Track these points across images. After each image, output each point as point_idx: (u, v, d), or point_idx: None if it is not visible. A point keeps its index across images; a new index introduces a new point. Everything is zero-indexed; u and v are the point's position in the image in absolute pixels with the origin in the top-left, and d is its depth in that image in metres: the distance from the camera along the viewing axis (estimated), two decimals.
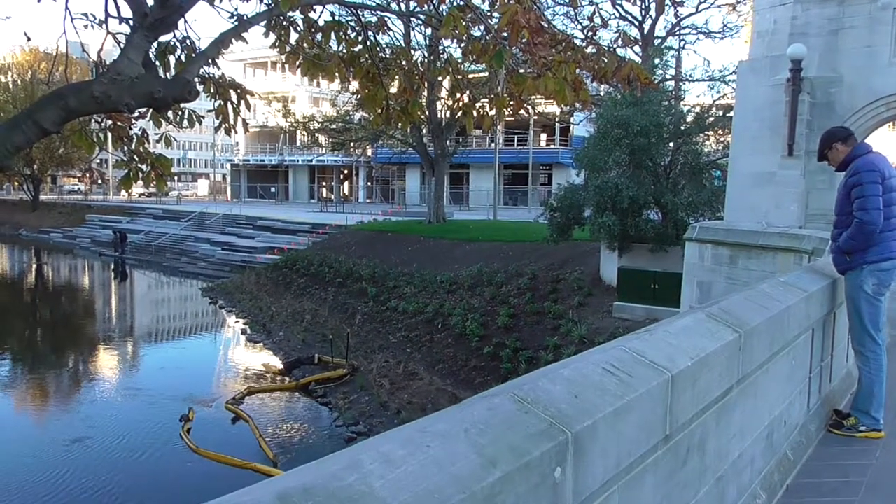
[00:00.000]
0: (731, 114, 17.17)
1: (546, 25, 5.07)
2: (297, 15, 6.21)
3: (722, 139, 23.94)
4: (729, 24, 31.73)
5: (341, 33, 6.56)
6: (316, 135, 43.65)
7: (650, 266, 20.43)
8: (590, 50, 6.09)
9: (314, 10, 6.40)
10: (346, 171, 68.39)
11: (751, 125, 14.14)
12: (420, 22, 7.08)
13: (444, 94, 27.25)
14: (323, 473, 1.51)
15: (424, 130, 34.13)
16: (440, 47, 25.09)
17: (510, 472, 1.74)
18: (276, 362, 22.98)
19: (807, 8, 13.36)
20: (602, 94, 20.45)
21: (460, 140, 40.11)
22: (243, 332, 27.28)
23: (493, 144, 46.32)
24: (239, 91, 6.30)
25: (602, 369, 2.45)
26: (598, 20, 6.21)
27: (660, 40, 30.42)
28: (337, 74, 6.66)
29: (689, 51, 31.95)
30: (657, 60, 24.69)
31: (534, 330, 20.97)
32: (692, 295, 14.01)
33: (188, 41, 5.83)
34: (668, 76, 26.93)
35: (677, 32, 31.71)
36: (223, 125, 6.37)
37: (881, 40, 12.74)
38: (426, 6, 5.74)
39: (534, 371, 2.45)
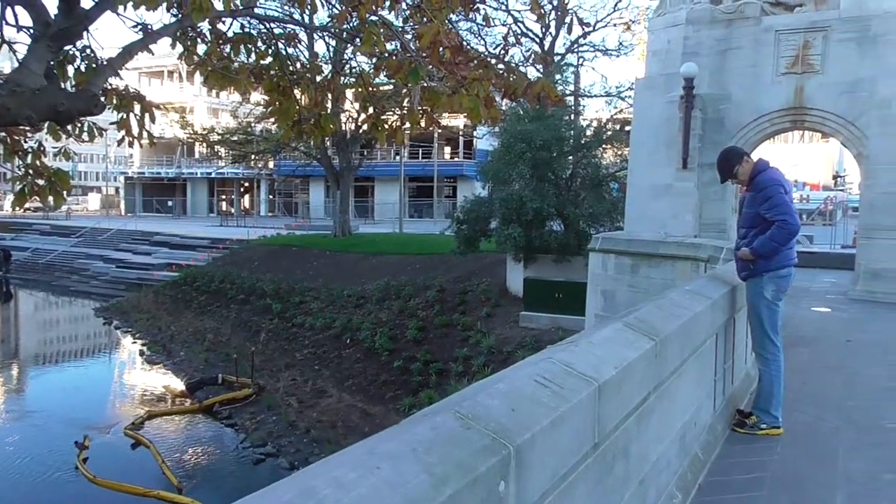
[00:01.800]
0: (629, 128, 17.90)
1: (463, 45, 5.14)
2: (205, 26, 6.05)
3: (619, 152, 24.89)
4: (624, 42, 33.09)
5: (251, 45, 6.44)
6: (215, 147, 42.46)
7: (555, 276, 20.95)
8: (501, 68, 6.22)
9: (223, 22, 6.25)
10: (247, 184, 66.80)
11: (648, 139, 14.77)
12: (331, 35, 7.02)
13: (347, 105, 27.12)
14: (277, 503, 1.47)
15: (329, 143, 33.82)
16: (345, 60, 24.98)
17: (460, 489, 1.75)
18: (178, 384, 22.10)
19: (697, 29, 14.10)
20: (505, 108, 20.86)
21: (365, 153, 39.96)
22: (141, 353, 26.12)
23: (398, 157, 46.41)
24: (143, 103, 6.07)
25: (535, 382, 2.50)
26: (511, 39, 6.35)
27: (559, 57, 31.38)
28: (246, 86, 6.52)
29: (587, 67, 33.17)
30: (558, 76, 25.44)
31: (443, 342, 21.08)
32: (597, 303, 14.46)
33: (88, 51, 5.57)
34: (568, 92, 27.80)
35: (576, 50, 32.80)
36: (126, 138, 6.11)
37: (765, 60, 13.60)
38: (345, 23, 5.71)
39: (471, 385, 2.47)
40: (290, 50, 7.19)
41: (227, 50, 6.37)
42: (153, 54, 5.41)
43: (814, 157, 79.93)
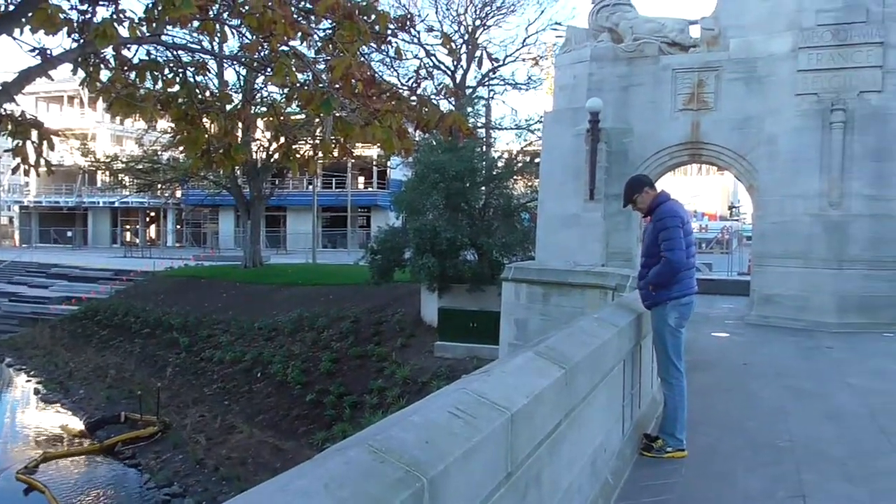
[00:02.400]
0: (539, 160, 18.36)
1: (376, 77, 5.19)
2: (109, 52, 5.88)
3: (530, 183, 25.49)
4: (533, 76, 34.01)
5: (157, 73, 6.29)
6: (119, 175, 40.91)
7: (469, 305, 21.13)
8: (413, 101, 6.30)
9: (128, 48, 6.10)
10: (152, 214, 64.53)
11: (556, 171, 15.21)
12: (241, 64, 6.94)
13: (259, 134, 26.75)
14: None
15: (239, 172, 33.19)
16: (256, 89, 24.66)
17: None
18: (77, 423, 20.97)
19: (601, 66, 14.70)
20: (419, 139, 21.09)
21: (277, 182, 39.38)
22: (36, 391, 24.65)
23: (311, 187, 45.95)
24: (41, 130, 5.82)
25: (448, 413, 2.51)
26: (423, 73, 6.45)
27: (471, 90, 32.01)
28: (153, 114, 6.36)
29: (498, 100, 33.92)
30: (470, 109, 25.93)
31: (358, 374, 20.85)
32: (510, 332, 14.65)
33: None
34: (479, 124, 28.34)
35: (487, 83, 33.54)
36: (22, 166, 5.84)
37: (664, 97, 14.29)
38: (256, 53, 5.67)
39: (385, 418, 2.47)
40: (199, 78, 7.06)
41: (133, 76, 6.20)
42: (52, 80, 5.20)
43: (711, 188, 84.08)
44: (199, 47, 7.89)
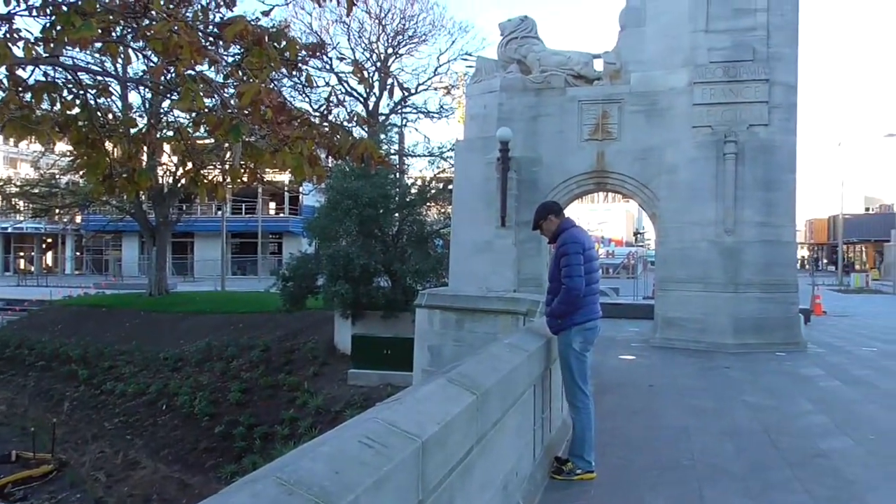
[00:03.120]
0: (451, 187, 18.59)
1: (286, 104, 5.16)
2: (2, 72, 5.61)
3: (443, 210, 25.74)
4: (445, 105, 34.49)
5: (55, 94, 6.04)
6: (13, 200, 38.79)
7: (383, 332, 21.02)
8: (325, 127, 6.29)
9: (24, 69, 5.84)
10: (49, 240, 61.40)
11: (469, 198, 15.43)
12: (146, 88, 6.76)
13: (165, 159, 25.99)
14: None
15: (144, 197, 32.07)
16: (162, 112, 23.99)
17: None
18: None
19: (511, 96, 15.08)
20: (331, 165, 20.99)
21: (184, 207, 38.24)
22: None
23: (220, 212, 44.88)
24: None
25: (359, 443, 2.51)
26: (334, 100, 6.46)
27: (384, 117, 32.18)
28: (50, 137, 6.10)
29: (410, 128, 34.11)
30: (383, 136, 26.04)
31: (269, 404, 20.34)
32: (424, 358, 14.66)
33: None
34: (393, 151, 28.49)
35: (400, 111, 33.80)
36: None
37: (570, 127, 14.77)
38: (162, 77, 5.52)
39: (295, 449, 2.44)
40: (101, 100, 6.83)
41: (28, 98, 5.93)
42: None
43: (618, 215, 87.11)
44: (100, 69, 7.64)
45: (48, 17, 5.59)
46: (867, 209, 73.78)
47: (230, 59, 5.76)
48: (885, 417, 8.16)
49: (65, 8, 5.26)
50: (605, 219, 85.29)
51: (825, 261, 67.98)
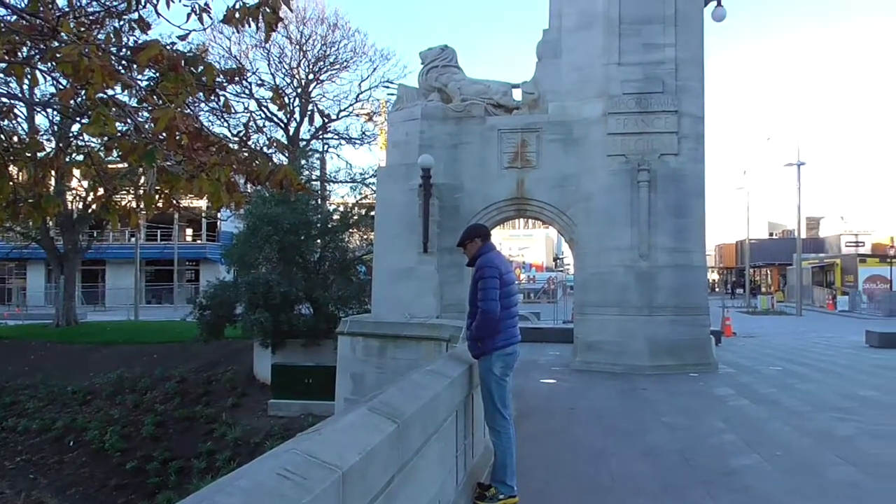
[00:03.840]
0: (374, 213, 18.56)
1: (202, 129, 5.07)
2: None
3: (366, 236, 25.63)
4: (367, 131, 34.48)
5: None
6: None
7: (304, 361, 20.66)
8: (244, 154, 6.20)
9: None
10: None
11: (391, 225, 15.44)
12: (55, 110, 6.53)
13: (75, 184, 24.99)
14: None
15: (52, 223, 30.66)
16: (71, 136, 23.09)
17: None
18: None
19: (432, 124, 15.24)
20: (251, 191, 20.65)
21: (95, 234, 36.75)
22: None
23: (133, 239, 43.36)
24: None
25: (277, 475, 2.46)
26: (253, 125, 6.38)
27: (305, 143, 31.92)
28: None
29: (332, 154, 33.90)
30: (304, 162, 25.82)
31: (184, 437, 19.62)
32: (346, 387, 14.48)
33: None
34: (314, 177, 28.26)
35: (321, 137, 33.62)
36: None
37: (491, 155, 15.03)
38: (71, 100, 5.33)
39: (211, 483, 2.37)
40: (5, 123, 6.54)
41: None
42: None
43: (538, 241, 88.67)
44: (4, 91, 7.33)
45: None
46: (771, 234, 77.65)
47: (144, 84, 5.62)
48: (789, 434, 8.54)
49: None
50: (526, 244, 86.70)
51: (734, 283, 70.96)
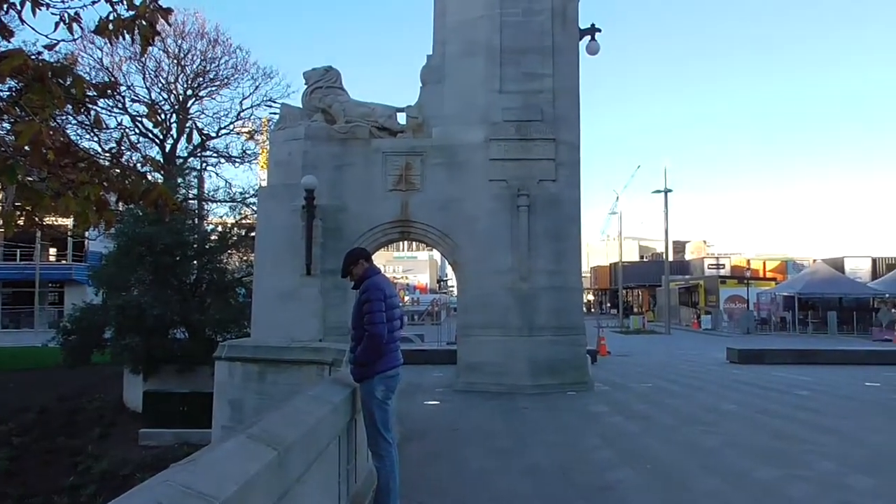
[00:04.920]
0: (254, 234, 18.11)
1: (71, 145, 4.80)
2: None
3: (246, 258, 24.92)
4: (248, 150, 33.62)
5: None
6: None
7: (179, 387, 19.76)
8: (115, 171, 5.91)
9: None
10: None
11: (273, 246, 15.10)
12: None
13: None
14: None
15: None
16: None
17: None
18: None
19: (316, 145, 15.09)
20: (122, 209, 19.67)
21: None
22: None
23: None
24: None
25: None
26: (126, 142, 6.10)
27: (182, 160, 30.74)
28: None
29: (211, 172, 32.79)
30: (180, 180, 24.86)
31: (45, 472, 18.23)
32: (224, 414, 13.93)
33: None
34: (191, 196, 27.24)
35: (199, 154, 32.48)
36: None
37: (376, 177, 15.05)
38: None
39: None
40: None
41: None
42: None
43: (423, 263, 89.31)
44: None
45: None
46: (642, 257, 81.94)
47: (6, 95, 5.27)
48: (660, 448, 8.98)
49: None
50: (410, 266, 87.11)
51: (608, 304, 74.12)
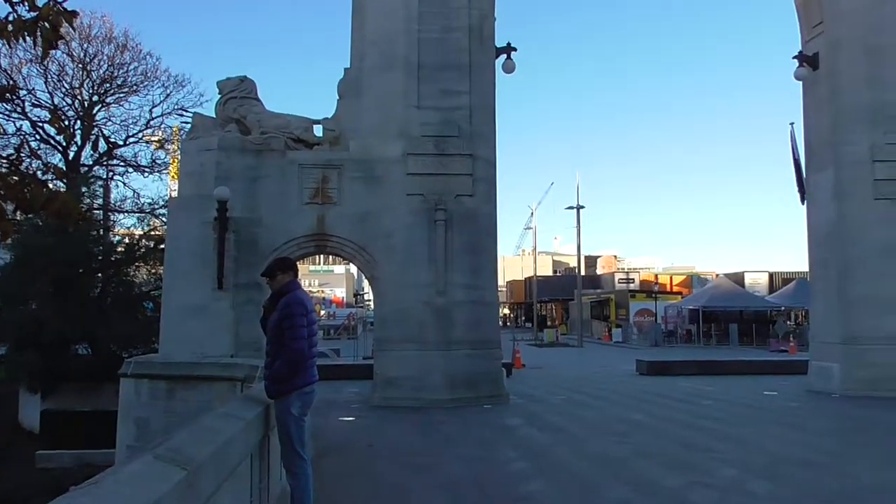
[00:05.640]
0: (164, 246, 17.54)
1: None
2: None
3: (154, 271, 24.06)
4: (158, 159, 32.47)
5: None
6: None
7: (81, 406, 18.86)
8: (14, 179, 5.64)
9: None
10: None
11: (183, 259, 14.65)
12: None
13: None
14: None
15: None
16: None
17: None
18: None
19: (229, 156, 14.75)
20: (21, 219, 18.68)
21: None
22: None
23: None
24: None
25: None
26: (26, 149, 5.82)
27: (87, 169, 29.44)
28: None
29: (118, 182, 31.51)
30: (85, 189, 23.83)
31: None
32: (129, 433, 13.39)
33: None
34: (96, 205, 26.13)
35: (105, 163, 31.18)
36: None
37: (291, 190, 14.83)
38: None
39: None
40: None
41: None
42: None
43: (339, 276, 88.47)
44: None
45: None
46: (556, 272, 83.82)
47: None
48: (573, 459, 9.17)
49: None
50: (327, 280, 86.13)
51: (523, 318, 75.32)
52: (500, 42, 16.13)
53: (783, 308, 44.85)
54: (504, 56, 16.17)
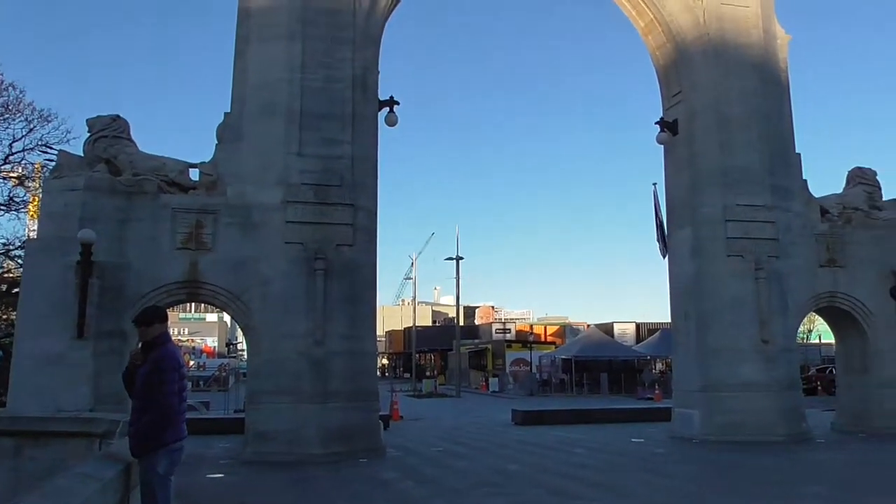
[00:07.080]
0: (17, 290, 16.31)
1: None
2: None
3: (5, 316, 22.27)
4: (16, 197, 30.34)
5: None
6: None
7: None
8: None
9: None
10: None
11: (40, 304, 13.66)
12: None
13: None
14: None
15: None
16: None
17: None
18: None
19: (97, 197, 14.01)
20: None
21: None
22: None
23: None
24: None
25: None
26: None
27: None
28: None
29: None
30: None
31: None
32: None
33: None
34: None
35: None
36: None
37: (163, 234, 14.24)
38: None
39: None
40: None
41: None
42: None
43: (211, 325, 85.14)
44: None
45: None
46: (434, 322, 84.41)
47: None
48: None
49: None
50: (198, 328, 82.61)
51: (402, 368, 75.03)
52: (383, 95, 16.39)
53: (649, 357, 47.07)
54: (387, 109, 16.43)
